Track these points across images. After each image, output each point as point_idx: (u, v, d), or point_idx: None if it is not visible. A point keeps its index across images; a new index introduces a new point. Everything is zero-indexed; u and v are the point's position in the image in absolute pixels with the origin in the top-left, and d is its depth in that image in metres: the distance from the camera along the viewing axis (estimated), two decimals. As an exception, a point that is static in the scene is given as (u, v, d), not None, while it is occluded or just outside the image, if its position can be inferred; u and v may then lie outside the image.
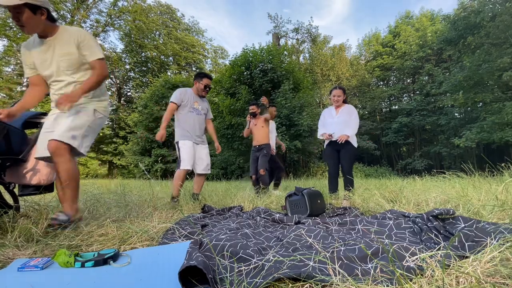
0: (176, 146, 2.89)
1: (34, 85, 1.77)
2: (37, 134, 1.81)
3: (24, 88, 17.66)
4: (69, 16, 20.19)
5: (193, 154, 2.89)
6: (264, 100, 4.53)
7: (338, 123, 3.24)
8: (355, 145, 3.20)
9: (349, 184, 3.07)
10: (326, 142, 3.34)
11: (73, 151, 1.64)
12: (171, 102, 2.89)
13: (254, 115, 4.18)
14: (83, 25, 21.00)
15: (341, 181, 3.38)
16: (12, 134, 1.65)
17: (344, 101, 3.38)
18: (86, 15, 20.95)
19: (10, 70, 17.99)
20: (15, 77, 17.43)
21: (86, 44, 1.70)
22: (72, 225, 1.54)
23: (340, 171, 3.36)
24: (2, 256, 1.21)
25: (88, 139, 1.74)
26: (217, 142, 3.34)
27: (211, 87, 3.10)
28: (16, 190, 1.82)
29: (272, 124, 4.66)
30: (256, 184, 4.05)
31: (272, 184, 4.55)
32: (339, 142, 3.09)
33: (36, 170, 1.77)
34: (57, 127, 1.64)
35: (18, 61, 17.90)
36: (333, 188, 3.27)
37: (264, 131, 4.12)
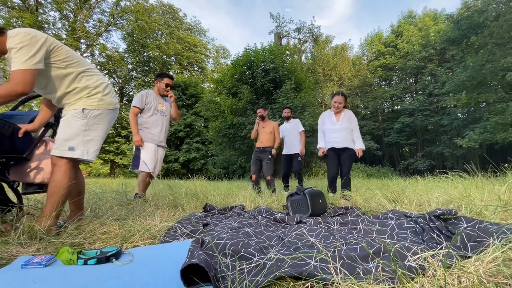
0: (136, 147, 2.87)
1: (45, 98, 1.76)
2: (42, 134, 1.82)
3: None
4: (72, 16, 20.30)
5: (155, 157, 2.89)
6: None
7: (341, 130, 3.37)
8: (354, 149, 3.35)
9: (347, 185, 3.24)
10: (328, 146, 3.46)
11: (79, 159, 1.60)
12: (133, 106, 2.86)
13: (262, 118, 4.25)
14: (85, 25, 21.11)
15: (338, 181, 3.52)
16: (16, 133, 1.66)
17: (344, 106, 3.50)
18: (89, 15, 21.03)
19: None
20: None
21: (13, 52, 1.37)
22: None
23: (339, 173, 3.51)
24: (5, 253, 1.22)
25: (94, 143, 1.63)
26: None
27: (172, 85, 3.10)
28: (20, 188, 1.84)
29: (294, 122, 4.74)
30: (256, 184, 4.07)
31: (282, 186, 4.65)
32: (358, 157, 3.33)
33: (40, 169, 1.79)
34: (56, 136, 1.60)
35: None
36: (333, 189, 3.38)
37: (270, 136, 4.19)
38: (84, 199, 1.90)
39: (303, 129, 4.70)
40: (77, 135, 1.57)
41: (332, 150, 3.42)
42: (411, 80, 24.40)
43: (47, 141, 1.87)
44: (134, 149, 2.91)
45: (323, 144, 3.53)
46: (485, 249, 0.94)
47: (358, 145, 3.35)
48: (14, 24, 16.72)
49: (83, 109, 1.59)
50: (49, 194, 1.52)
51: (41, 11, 18.33)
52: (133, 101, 2.89)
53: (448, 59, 20.28)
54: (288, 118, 4.76)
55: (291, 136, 4.62)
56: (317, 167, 15.57)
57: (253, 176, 4.12)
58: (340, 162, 3.36)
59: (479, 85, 13.70)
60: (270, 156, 4.09)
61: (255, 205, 2.71)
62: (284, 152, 4.69)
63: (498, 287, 0.73)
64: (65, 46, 1.58)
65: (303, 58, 24.28)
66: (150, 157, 2.84)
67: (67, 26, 19.99)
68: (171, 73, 3.12)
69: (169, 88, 3.04)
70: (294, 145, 4.59)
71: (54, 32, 19.03)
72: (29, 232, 1.41)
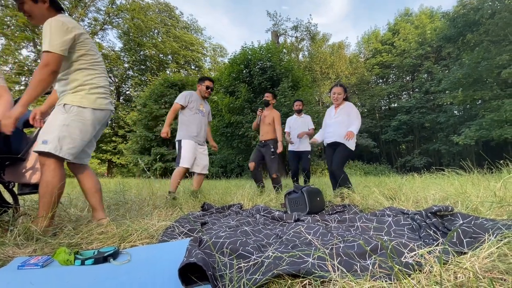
0: (178, 144, 3.02)
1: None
2: (37, 133, 1.81)
3: (22, 87, 17.57)
4: (67, 14, 20.08)
5: (194, 154, 3.04)
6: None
7: (336, 123, 3.16)
8: (351, 146, 3.09)
9: (337, 181, 3.01)
10: (325, 142, 3.30)
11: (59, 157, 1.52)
12: (176, 103, 3.03)
13: (267, 103, 3.98)
14: (81, 23, 20.87)
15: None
16: (11, 133, 1.64)
17: (346, 99, 3.27)
18: (84, 14, 20.83)
19: (8, 69, 17.90)
20: (13, 76, 17.34)
21: (43, 34, 1.48)
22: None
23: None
24: (2, 254, 1.21)
25: (69, 140, 1.52)
26: (213, 141, 3.51)
27: (212, 88, 3.28)
28: (15, 189, 1.82)
29: (306, 118, 4.63)
30: (257, 178, 3.84)
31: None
32: (346, 139, 2.97)
33: (35, 169, 1.77)
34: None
35: (16, 60, 17.82)
36: (334, 184, 3.18)
37: (270, 128, 3.91)
38: (82, 199, 1.89)
39: (313, 126, 4.56)
40: (55, 129, 1.51)
41: (329, 145, 3.23)
42: (407, 78, 24.51)
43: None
44: (177, 147, 3.04)
45: (318, 137, 3.41)
46: (480, 245, 0.95)
47: (351, 128, 2.98)
48: (8, 22, 16.53)
49: (64, 104, 1.57)
50: (41, 195, 1.49)
51: (35, 9, 18.08)
52: (177, 98, 3.07)
53: (444, 57, 20.39)
54: (299, 112, 4.58)
55: (300, 132, 4.43)
56: (315, 165, 15.61)
57: (251, 164, 3.80)
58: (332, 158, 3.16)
59: (474, 82, 13.81)
60: (273, 151, 3.78)
61: (253, 203, 2.71)
62: (291, 149, 4.47)
63: (493, 282, 0.73)
64: (92, 44, 1.68)
65: (300, 56, 24.29)
66: (189, 153, 2.97)
67: (62, 25, 19.75)
68: (212, 78, 3.53)
69: (209, 90, 3.24)
70: (303, 142, 4.44)
71: (49, 31, 18.79)
72: (26, 233, 1.40)
